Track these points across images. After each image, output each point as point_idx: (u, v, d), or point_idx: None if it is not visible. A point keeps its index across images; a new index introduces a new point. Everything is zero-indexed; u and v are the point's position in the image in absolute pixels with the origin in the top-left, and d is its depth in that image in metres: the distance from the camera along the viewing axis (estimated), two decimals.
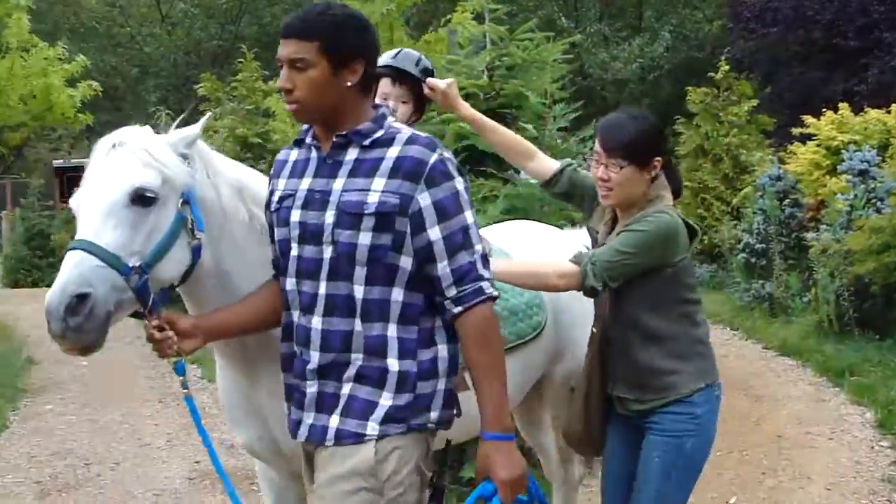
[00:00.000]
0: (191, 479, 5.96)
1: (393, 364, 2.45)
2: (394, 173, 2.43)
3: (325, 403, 2.49)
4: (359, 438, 2.44)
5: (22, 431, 7.37)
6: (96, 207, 2.47)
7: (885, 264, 8.05)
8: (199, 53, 29.61)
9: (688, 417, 3.02)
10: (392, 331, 2.46)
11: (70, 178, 22.79)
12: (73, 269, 2.39)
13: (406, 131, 2.52)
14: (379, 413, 2.44)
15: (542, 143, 5.54)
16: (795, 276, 9.86)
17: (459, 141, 5.33)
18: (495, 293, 2.50)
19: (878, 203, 9.06)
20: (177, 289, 2.67)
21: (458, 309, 2.45)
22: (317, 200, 2.49)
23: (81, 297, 2.36)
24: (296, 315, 2.53)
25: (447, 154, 2.50)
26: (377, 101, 3.24)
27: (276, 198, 2.60)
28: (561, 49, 6.45)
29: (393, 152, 2.45)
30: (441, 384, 2.51)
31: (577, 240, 3.58)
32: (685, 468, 3.06)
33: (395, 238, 2.43)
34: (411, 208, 2.42)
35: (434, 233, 2.43)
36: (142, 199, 2.48)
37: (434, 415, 2.50)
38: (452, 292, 2.45)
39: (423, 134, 2.54)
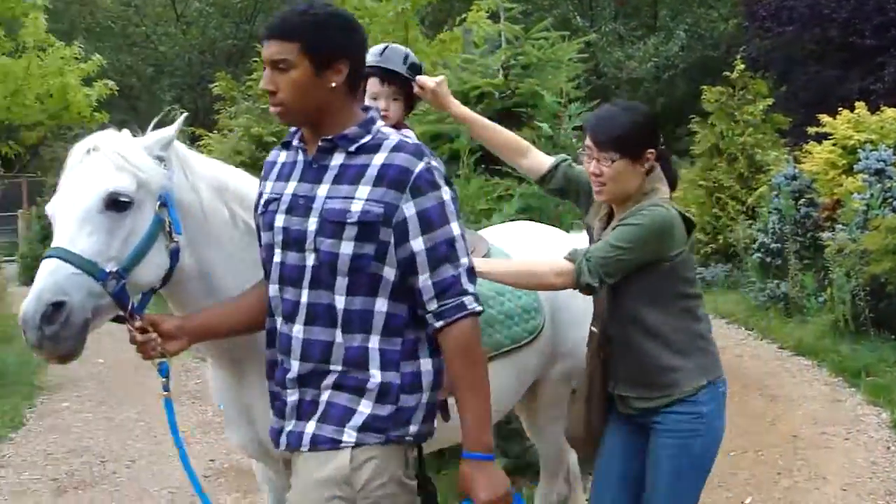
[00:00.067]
0: (206, 476, 5.97)
1: (375, 375, 2.40)
2: (378, 181, 2.37)
3: (304, 411, 2.45)
4: (335, 444, 2.39)
5: (38, 429, 7.41)
6: (71, 214, 2.45)
7: None
8: (213, 52, 29.77)
9: (693, 417, 2.97)
10: (374, 342, 2.40)
11: None
12: (49, 277, 2.37)
13: (394, 137, 2.45)
14: (357, 420, 2.39)
15: (557, 142, 5.55)
16: (811, 276, 9.80)
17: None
18: (479, 308, 2.43)
19: (895, 202, 9.00)
20: (160, 291, 2.65)
21: (440, 323, 2.40)
22: (301, 206, 2.43)
23: (57, 306, 2.35)
24: (279, 322, 2.49)
25: (435, 162, 2.43)
26: (367, 100, 3.20)
27: (262, 201, 2.55)
28: (576, 48, 6.46)
29: (379, 159, 2.39)
30: (424, 398, 2.46)
31: (579, 241, 3.51)
32: (695, 468, 3.03)
33: (379, 248, 2.37)
34: (395, 218, 2.36)
35: (417, 244, 2.37)
36: (116, 203, 2.46)
37: (414, 428, 2.45)
38: (433, 306, 2.39)
39: (411, 141, 2.47)
